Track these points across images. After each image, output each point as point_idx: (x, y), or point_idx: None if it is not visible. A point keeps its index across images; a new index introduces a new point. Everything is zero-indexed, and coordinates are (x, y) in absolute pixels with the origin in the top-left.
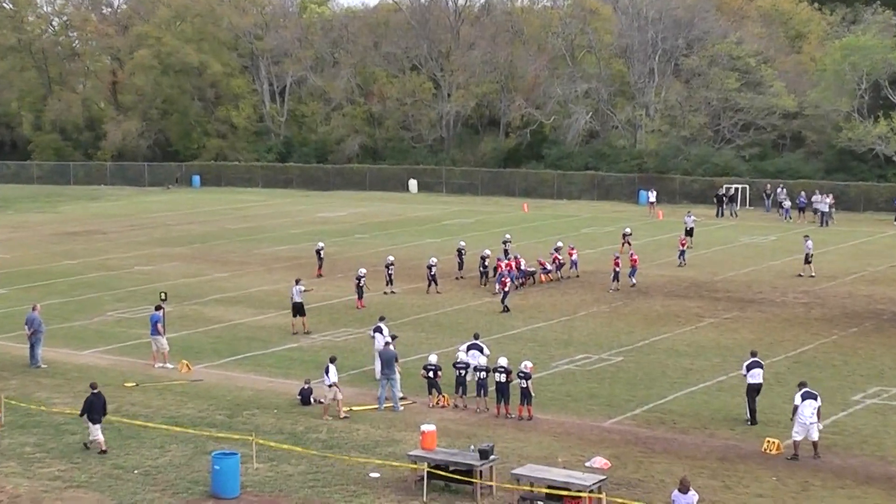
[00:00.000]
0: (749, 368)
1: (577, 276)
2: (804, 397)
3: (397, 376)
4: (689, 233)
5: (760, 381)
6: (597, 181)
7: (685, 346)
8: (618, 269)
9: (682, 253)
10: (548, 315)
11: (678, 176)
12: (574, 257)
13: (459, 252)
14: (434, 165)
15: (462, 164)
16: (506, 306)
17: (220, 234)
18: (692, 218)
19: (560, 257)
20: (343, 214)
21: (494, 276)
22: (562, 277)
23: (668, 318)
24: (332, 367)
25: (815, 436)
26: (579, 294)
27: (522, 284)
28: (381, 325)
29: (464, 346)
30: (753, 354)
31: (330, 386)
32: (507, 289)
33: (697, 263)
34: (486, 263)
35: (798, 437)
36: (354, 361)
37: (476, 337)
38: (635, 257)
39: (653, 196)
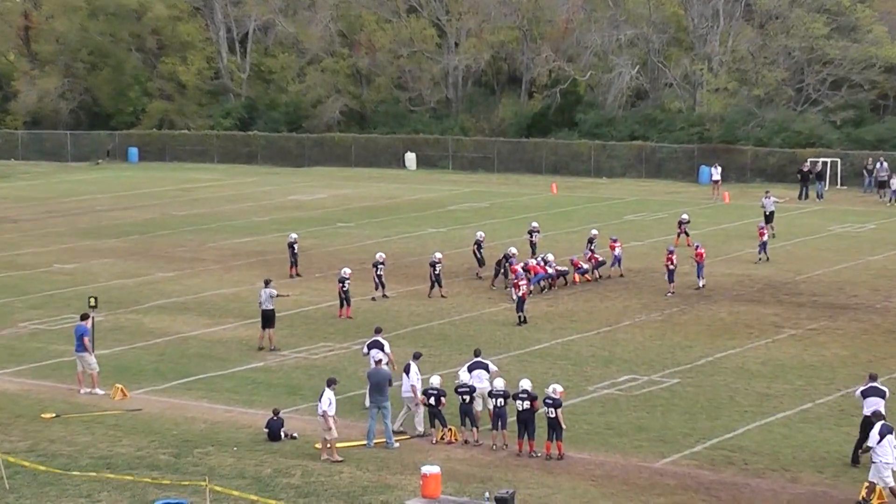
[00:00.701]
0: (865, 396)
1: (621, 276)
2: (882, 433)
3: (420, 407)
4: (769, 218)
5: (882, 411)
6: (645, 154)
7: (759, 364)
8: (672, 267)
9: (764, 245)
10: (583, 325)
11: (749, 147)
12: (616, 252)
13: (478, 245)
14: (438, 135)
15: (474, 133)
16: (522, 317)
17: (165, 223)
18: (772, 199)
19: (598, 256)
20: (322, 198)
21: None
22: (600, 277)
23: (737, 329)
24: (328, 392)
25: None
26: (623, 298)
27: (551, 286)
28: (379, 338)
29: (464, 367)
30: (872, 378)
31: (322, 416)
32: (520, 293)
33: (775, 259)
34: (509, 263)
35: (882, 482)
36: (338, 386)
37: (477, 353)
38: (701, 251)
39: (717, 173)
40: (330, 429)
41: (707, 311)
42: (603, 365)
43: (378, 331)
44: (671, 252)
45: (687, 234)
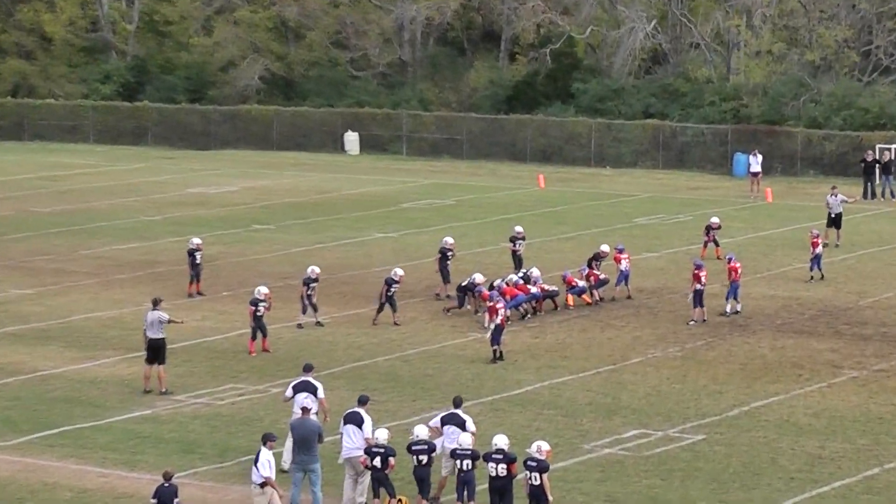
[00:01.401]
0: None
1: (629, 297)
2: None
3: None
4: (836, 222)
5: None
6: (663, 137)
7: (811, 416)
8: (700, 287)
9: (818, 259)
10: (578, 363)
11: (800, 129)
12: (623, 266)
13: (443, 255)
14: (389, 109)
15: (436, 107)
16: (497, 351)
17: (22, 222)
18: (839, 198)
19: (598, 273)
20: (233, 190)
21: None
22: (602, 299)
23: (781, 370)
24: (265, 453)
25: None
26: (632, 327)
27: (535, 311)
28: (309, 378)
29: (436, 419)
30: None
31: (262, 486)
32: (498, 320)
33: (833, 277)
34: (476, 293)
35: None
36: (249, 440)
37: (457, 404)
38: (735, 265)
39: (757, 163)
40: None
41: (742, 345)
42: (604, 416)
43: (308, 369)
44: (699, 267)
45: (716, 244)
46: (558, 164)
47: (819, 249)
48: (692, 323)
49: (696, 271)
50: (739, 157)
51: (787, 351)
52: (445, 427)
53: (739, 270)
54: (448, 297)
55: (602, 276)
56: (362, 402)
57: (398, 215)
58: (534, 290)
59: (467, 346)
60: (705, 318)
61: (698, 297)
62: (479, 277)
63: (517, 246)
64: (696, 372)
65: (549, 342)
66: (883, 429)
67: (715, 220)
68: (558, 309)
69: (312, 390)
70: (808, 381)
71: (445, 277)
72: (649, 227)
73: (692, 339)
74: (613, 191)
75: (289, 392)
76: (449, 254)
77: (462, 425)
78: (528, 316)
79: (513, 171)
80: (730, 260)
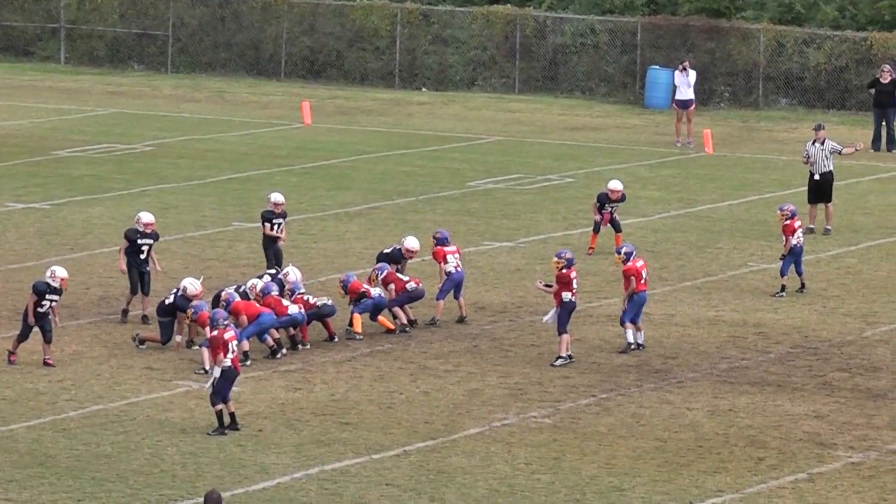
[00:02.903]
0: None
1: (462, 320)
2: None
3: None
4: (823, 189)
5: None
6: (521, 38)
7: None
8: (568, 298)
9: (794, 256)
10: (373, 436)
11: (762, 26)
12: (451, 266)
13: (133, 241)
14: None
15: None
16: (224, 416)
17: None
18: (830, 147)
19: (404, 278)
20: None
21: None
22: (411, 323)
23: (728, 450)
24: None
25: None
26: (465, 372)
27: (295, 343)
28: None
29: None
30: None
31: None
32: (227, 362)
33: (820, 285)
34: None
35: None
36: None
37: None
38: (636, 265)
39: (688, 85)
40: None
41: (660, 406)
42: None
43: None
44: (628, 257)
45: (616, 227)
46: (336, 82)
47: (796, 239)
48: (559, 362)
49: (567, 270)
50: (656, 73)
51: (739, 417)
52: None
53: (643, 275)
54: (144, 318)
55: (411, 284)
56: None
57: (50, 170)
58: (292, 308)
59: (174, 402)
60: (568, 354)
61: (564, 315)
62: (193, 286)
63: (275, 229)
64: (576, 453)
65: (321, 398)
66: None
67: (615, 184)
68: (335, 339)
69: None
70: (774, 471)
71: (138, 283)
72: (497, 195)
73: (571, 393)
74: (433, 130)
75: None
76: (146, 242)
77: None
78: (283, 352)
79: (255, 94)
80: (628, 257)
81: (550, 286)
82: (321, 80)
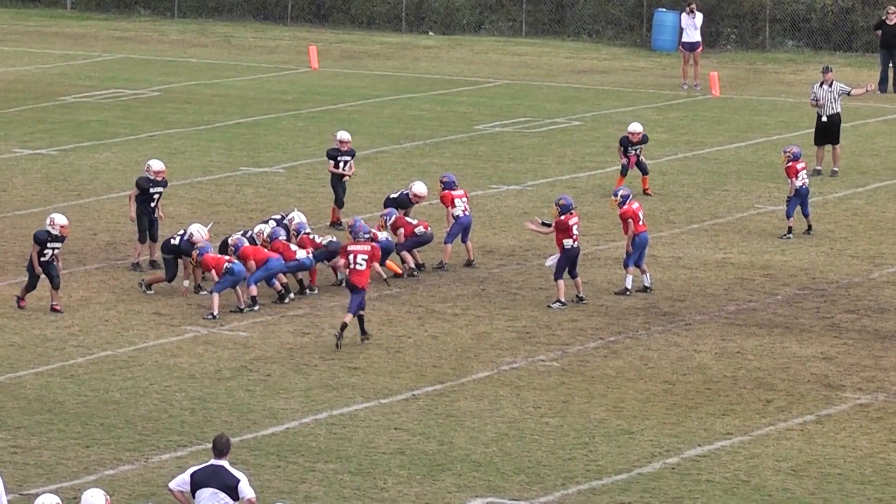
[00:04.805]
0: None
1: (470, 263)
2: None
3: None
4: (831, 132)
5: None
6: None
7: (787, 475)
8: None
9: (800, 198)
10: (380, 380)
11: None
12: (459, 210)
13: (145, 190)
14: None
15: None
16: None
17: None
18: (838, 88)
19: (413, 221)
20: None
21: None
22: (419, 267)
23: (736, 392)
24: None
25: None
26: (473, 316)
27: (303, 288)
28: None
29: (183, 478)
30: None
31: None
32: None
33: (827, 227)
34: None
35: None
36: None
37: (221, 449)
38: (632, 206)
39: (695, 28)
40: None
41: (668, 348)
42: (425, 474)
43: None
44: (624, 200)
45: (643, 169)
46: (343, 26)
47: (801, 180)
48: (556, 305)
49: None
50: (663, 16)
51: (747, 359)
52: (201, 491)
53: (641, 216)
54: (153, 263)
55: (420, 228)
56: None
57: (57, 116)
58: (300, 253)
59: (182, 348)
60: (580, 297)
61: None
62: (199, 233)
63: (341, 166)
64: (584, 396)
65: (329, 343)
66: None
67: (635, 126)
68: (341, 283)
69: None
70: (782, 413)
71: (147, 231)
72: (504, 139)
73: (579, 336)
74: (440, 74)
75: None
76: (157, 190)
77: (231, 489)
78: (291, 297)
79: (262, 38)
80: (624, 200)
81: (547, 225)
82: (328, 25)
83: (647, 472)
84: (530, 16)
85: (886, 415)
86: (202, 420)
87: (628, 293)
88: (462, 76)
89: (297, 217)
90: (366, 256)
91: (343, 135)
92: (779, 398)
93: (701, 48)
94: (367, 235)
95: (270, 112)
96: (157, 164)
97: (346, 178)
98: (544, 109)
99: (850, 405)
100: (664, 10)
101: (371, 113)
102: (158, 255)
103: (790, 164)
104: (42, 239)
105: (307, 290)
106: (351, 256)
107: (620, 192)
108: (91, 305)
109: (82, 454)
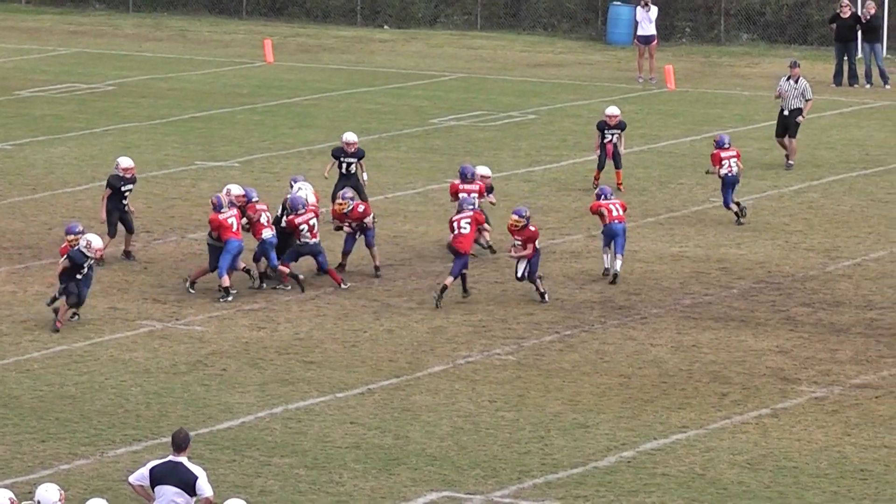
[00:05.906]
0: None
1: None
2: None
3: None
4: (785, 124)
5: None
6: None
7: (742, 468)
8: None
9: (728, 185)
10: (336, 374)
11: None
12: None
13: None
14: None
15: None
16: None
17: None
18: (802, 85)
19: (359, 203)
20: None
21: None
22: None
23: (691, 386)
24: None
25: None
26: (428, 310)
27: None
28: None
29: (142, 472)
30: None
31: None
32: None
33: (783, 220)
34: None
35: None
36: None
37: (180, 444)
38: (614, 201)
39: (650, 21)
40: None
41: (624, 341)
42: (380, 469)
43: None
44: (602, 199)
45: (616, 161)
46: (299, 20)
47: (727, 168)
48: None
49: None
50: (618, 9)
51: (702, 353)
52: (162, 488)
53: (615, 210)
54: (127, 253)
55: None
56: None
57: (12, 111)
58: (266, 232)
59: (138, 342)
60: (543, 291)
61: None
62: (236, 190)
63: (343, 168)
64: (540, 390)
65: (285, 337)
66: (869, 490)
67: (612, 109)
68: (302, 291)
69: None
70: (738, 406)
71: (116, 226)
72: (459, 133)
73: (535, 330)
74: (395, 68)
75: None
76: (128, 187)
77: (189, 486)
78: (263, 285)
79: (217, 32)
80: (603, 195)
81: (523, 247)
82: (283, 18)
83: (602, 465)
84: (486, 9)
85: (842, 408)
86: (158, 414)
87: (606, 272)
88: (417, 70)
89: (235, 188)
90: (468, 220)
91: (349, 136)
92: (734, 392)
93: (656, 41)
94: (471, 207)
95: (226, 106)
96: (125, 162)
97: (364, 181)
98: (500, 103)
99: (805, 398)
100: (619, 3)
101: (326, 107)
102: (134, 247)
103: (714, 151)
104: (79, 262)
105: (278, 287)
106: (455, 223)
107: (597, 192)
108: (46, 300)
109: (37, 449)
